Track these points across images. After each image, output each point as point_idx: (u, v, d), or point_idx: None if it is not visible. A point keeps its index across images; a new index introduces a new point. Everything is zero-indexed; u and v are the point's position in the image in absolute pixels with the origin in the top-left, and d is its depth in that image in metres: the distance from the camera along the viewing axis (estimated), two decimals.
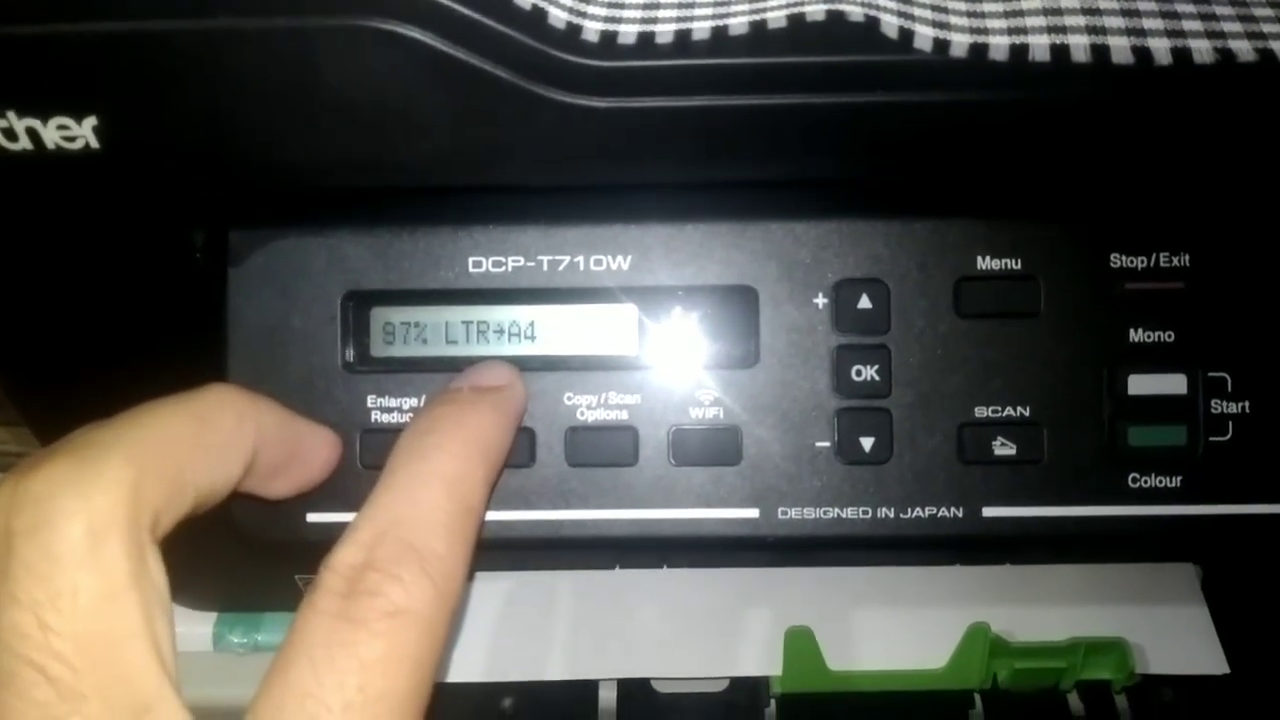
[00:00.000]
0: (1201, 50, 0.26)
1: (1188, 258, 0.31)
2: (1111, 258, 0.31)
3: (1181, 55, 0.26)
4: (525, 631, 0.40)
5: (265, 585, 0.41)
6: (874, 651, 0.40)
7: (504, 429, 0.28)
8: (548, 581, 0.40)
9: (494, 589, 0.40)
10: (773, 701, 0.41)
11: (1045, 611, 0.40)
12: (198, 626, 0.46)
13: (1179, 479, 0.31)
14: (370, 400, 0.32)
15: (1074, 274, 0.31)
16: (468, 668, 0.40)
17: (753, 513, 0.32)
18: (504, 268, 0.32)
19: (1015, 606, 0.40)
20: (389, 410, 0.32)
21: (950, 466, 0.31)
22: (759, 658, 0.40)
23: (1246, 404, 0.31)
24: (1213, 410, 0.31)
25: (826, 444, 0.32)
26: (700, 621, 0.41)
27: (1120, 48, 0.26)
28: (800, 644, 0.38)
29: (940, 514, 0.31)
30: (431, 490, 0.25)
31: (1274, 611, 0.40)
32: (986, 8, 0.27)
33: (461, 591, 0.24)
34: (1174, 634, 0.41)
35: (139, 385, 0.33)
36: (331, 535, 0.32)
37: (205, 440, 0.25)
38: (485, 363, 0.31)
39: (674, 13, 0.28)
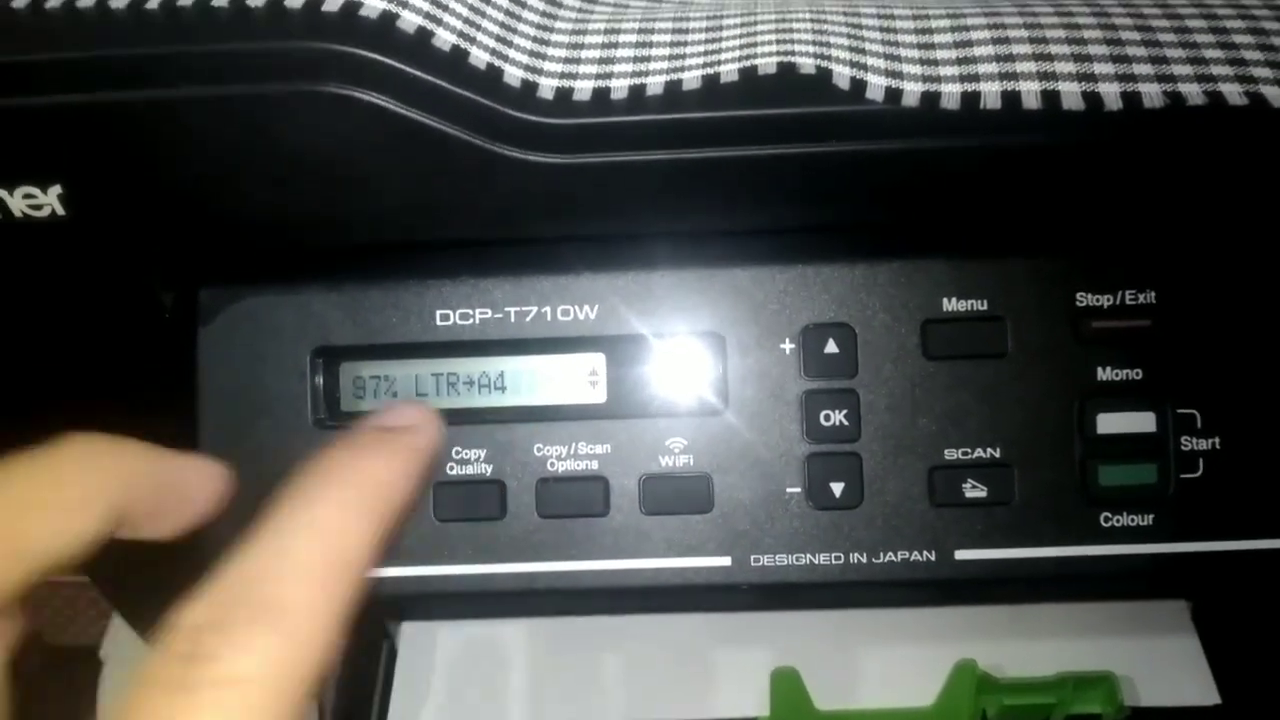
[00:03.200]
0: (1151, 94, 0.26)
1: (1154, 294, 0.31)
2: (1078, 296, 0.31)
3: (1131, 100, 0.26)
4: (511, 679, 0.40)
5: None
6: (861, 691, 0.40)
7: (402, 474, 0.26)
8: (531, 627, 0.40)
9: (475, 635, 0.40)
10: None
11: (1034, 646, 0.40)
12: None
13: (1151, 517, 0.31)
14: None
15: (1041, 313, 0.31)
16: (449, 717, 0.40)
17: (725, 560, 0.32)
18: (471, 320, 0.32)
19: (1004, 642, 0.40)
20: None
21: (921, 510, 0.31)
22: (746, 699, 0.39)
23: (1217, 440, 0.31)
24: (1183, 447, 0.31)
25: (797, 489, 0.32)
26: (686, 663, 0.40)
27: (1070, 93, 0.26)
28: (787, 684, 0.38)
29: (912, 557, 0.31)
30: (303, 540, 0.23)
31: (1262, 641, 0.40)
32: (939, 55, 0.28)
33: (331, 652, 0.22)
34: (1165, 665, 0.40)
35: None
36: None
37: (43, 499, 0.23)
38: (397, 403, 0.29)
39: (629, 66, 0.28)
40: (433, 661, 0.41)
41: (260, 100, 0.26)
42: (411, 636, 0.42)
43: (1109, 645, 0.40)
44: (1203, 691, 0.40)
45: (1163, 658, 0.40)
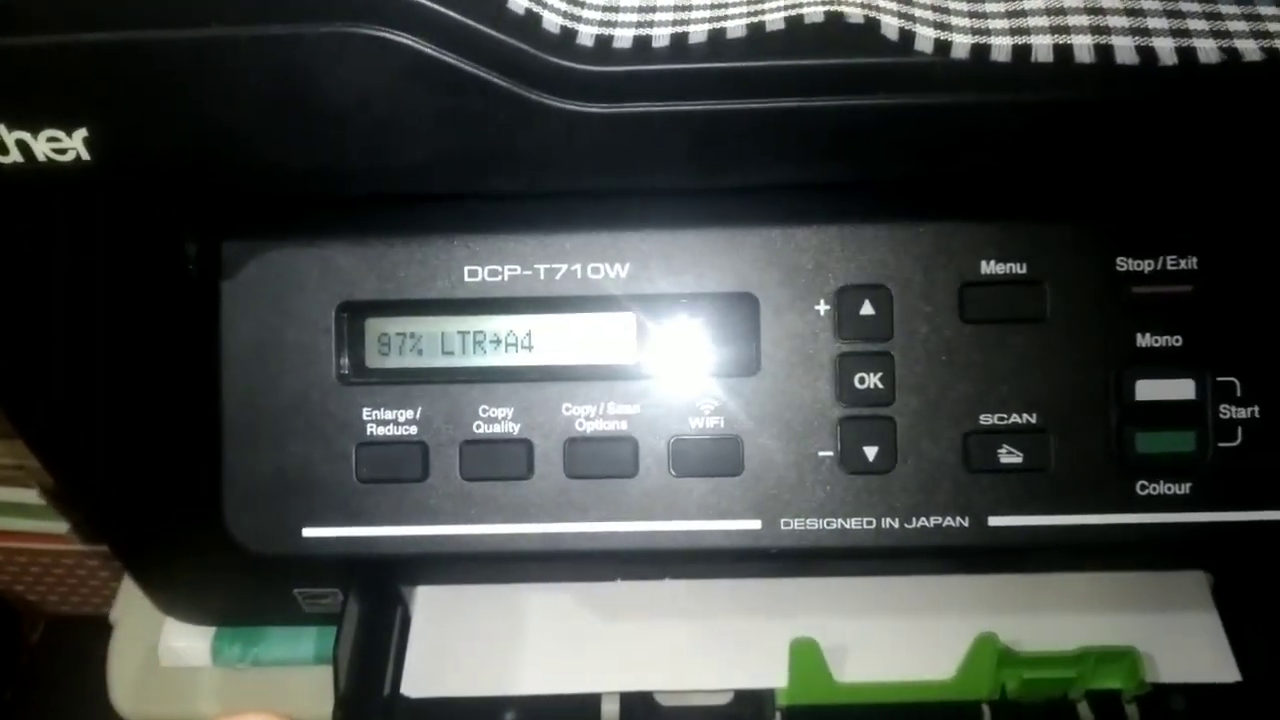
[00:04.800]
0: (1207, 50, 0.25)
1: (1196, 260, 0.31)
2: (1118, 261, 0.31)
3: (1187, 55, 0.25)
4: (527, 645, 0.40)
5: (264, 599, 0.40)
6: (880, 662, 0.39)
7: None
8: (549, 594, 0.40)
9: (496, 601, 0.40)
10: (778, 714, 0.41)
11: (1055, 620, 0.40)
12: (197, 641, 0.45)
13: (1188, 485, 0.31)
14: (366, 413, 0.31)
15: (1080, 278, 0.31)
16: (469, 682, 0.39)
17: (755, 524, 0.31)
18: (500, 277, 0.31)
19: (1025, 615, 0.40)
20: (385, 423, 0.31)
21: (955, 475, 0.31)
22: (764, 670, 0.39)
23: (1256, 409, 0.31)
24: (1221, 415, 0.31)
25: (829, 453, 0.31)
26: (704, 633, 0.40)
27: (1124, 47, 0.26)
28: (806, 655, 0.38)
29: (945, 524, 0.31)
30: None
31: None
32: (989, 8, 0.27)
33: None
34: (1185, 642, 0.40)
35: (133, 398, 0.33)
36: (328, 549, 0.32)
37: None
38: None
39: (670, 15, 0.27)
40: (447, 626, 0.41)
41: (293, 41, 0.25)
42: (427, 600, 0.42)
43: (1129, 620, 0.40)
44: (1223, 669, 0.40)
45: (1183, 634, 0.40)
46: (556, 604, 0.40)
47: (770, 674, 0.39)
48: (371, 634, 0.41)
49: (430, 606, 0.41)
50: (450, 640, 0.40)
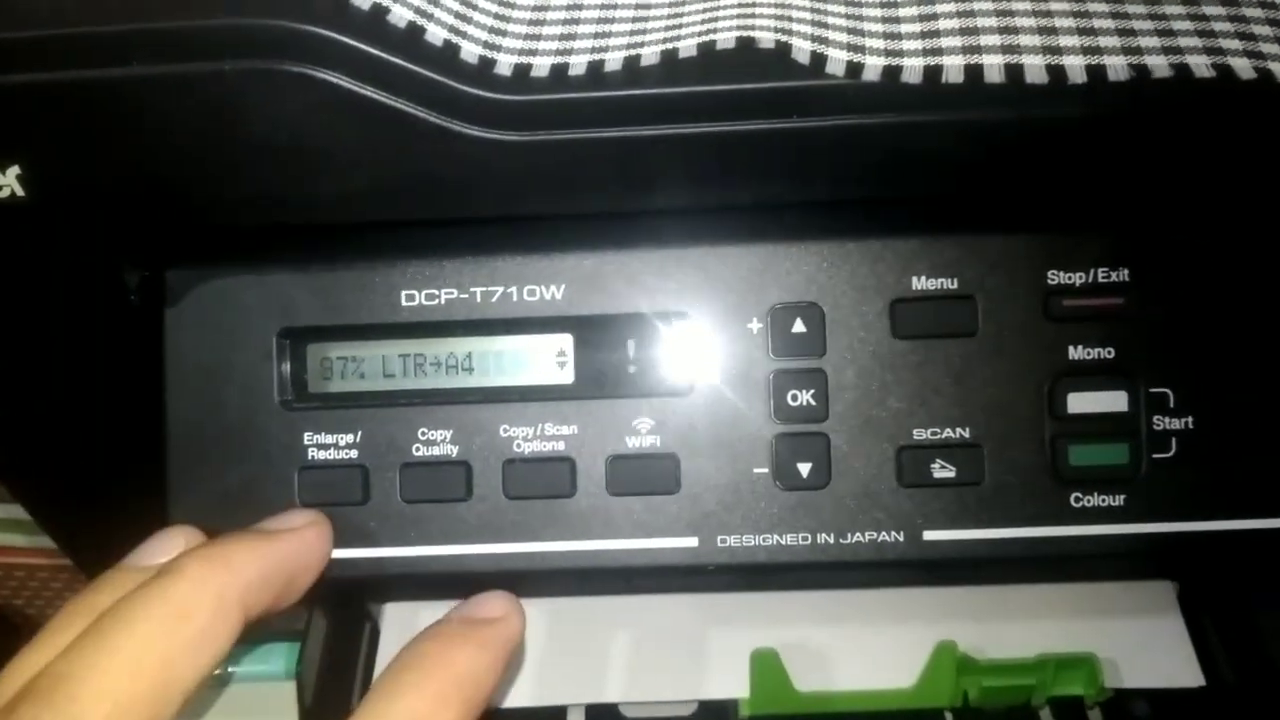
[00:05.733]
0: (1117, 68, 0.26)
1: (1127, 272, 0.31)
2: (1049, 274, 0.31)
3: (1096, 73, 0.26)
4: None
5: None
6: (842, 671, 0.40)
7: (488, 667, 0.27)
8: None
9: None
10: None
11: (1020, 627, 0.40)
12: None
13: (1122, 497, 0.31)
14: (308, 437, 0.32)
15: (1011, 292, 0.31)
16: None
17: (692, 541, 0.31)
18: (437, 300, 0.32)
19: (989, 623, 0.40)
20: (326, 447, 0.32)
21: (890, 490, 0.31)
22: (726, 680, 0.39)
23: (1190, 419, 0.31)
24: (1155, 427, 0.31)
25: (765, 470, 0.31)
26: (667, 645, 0.40)
27: (1034, 66, 0.26)
28: (767, 665, 0.38)
29: (881, 538, 0.31)
30: None
31: (1243, 622, 0.39)
32: (904, 29, 0.27)
33: None
34: (1149, 647, 0.40)
35: (79, 425, 0.33)
36: None
37: (182, 646, 0.24)
38: (483, 595, 0.30)
39: (590, 43, 0.28)
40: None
41: (214, 79, 0.26)
42: (394, 618, 0.42)
43: (1093, 627, 0.40)
44: (1187, 673, 0.40)
45: (1147, 639, 0.40)
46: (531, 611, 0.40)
47: (733, 684, 0.39)
48: (337, 651, 0.42)
49: (399, 622, 0.42)
50: None
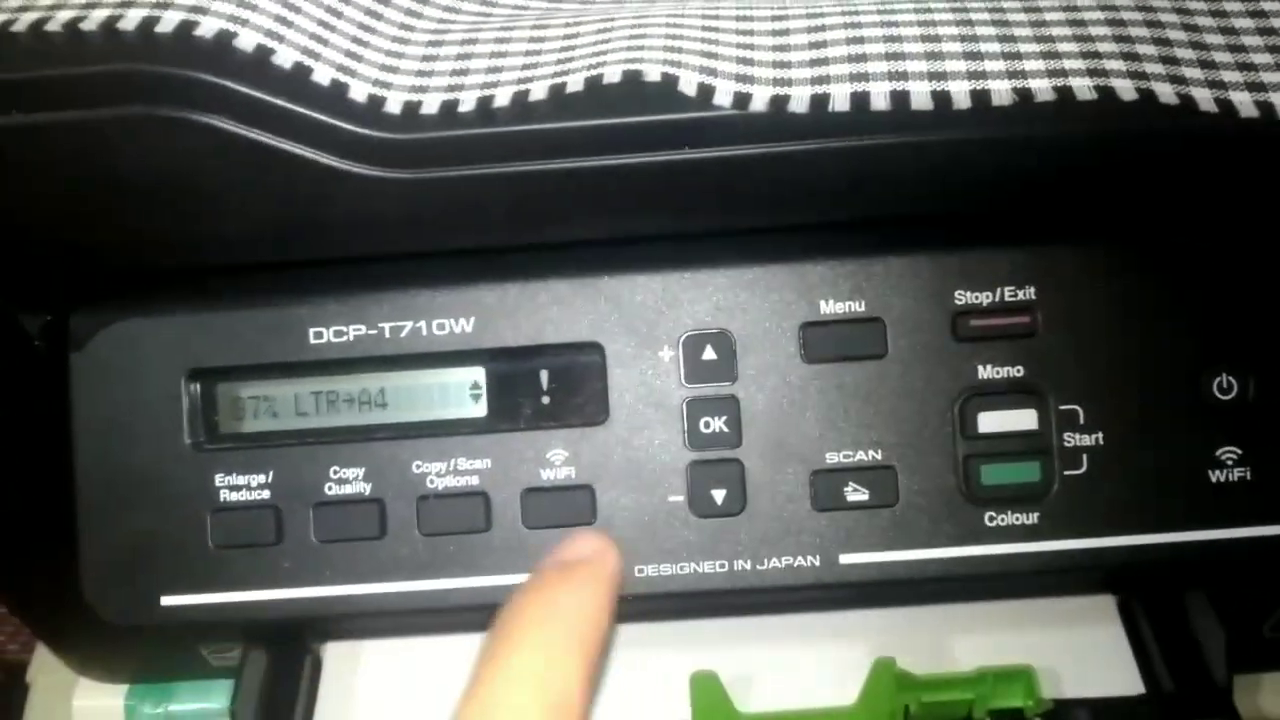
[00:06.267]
0: (1000, 92, 0.26)
1: (1033, 291, 0.31)
2: (956, 295, 0.31)
3: (980, 97, 0.26)
4: (436, 696, 0.40)
5: (171, 658, 0.40)
6: (783, 691, 0.39)
7: (598, 606, 0.26)
8: (461, 643, 0.40)
9: (401, 653, 0.40)
10: None
11: (960, 641, 0.40)
12: (109, 699, 0.45)
13: (1035, 515, 0.31)
14: (219, 478, 0.32)
15: (919, 313, 0.31)
16: None
17: None
18: (346, 337, 0.32)
19: (929, 638, 0.40)
20: (238, 488, 0.32)
21: (804, 514, 0.31)
22: (667, 705, 0.39)
23: (1100, 435, 0.31)
24: (1066, 444, 0.31)
25: (680, 498, 0.31)
26: (609, 669, 0.40)
27: (920, 93, 0.26)
28: (707, 688, 0.38)
29: (797, 563, 0.31)
30: (519, 691, 0.23)
31: (1178, 630, 0.39)
32: (793, 57, 0.27)
33: None
34: (1090, 656, 0.40)
35: None
36: (187, 618, 0.32)
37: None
38: (572, 536, 0.29)
39: (480, 78, 0.27)
40: (356, 682, 0.41)
41: (95, 125, 0.25)
42: (337, 650, 0.42)
43: (1034, 638, 0.40)
44: (1127, 682, 0.40)
45: (1088, 649, 0.40)
46: (469, 655, 0.40)
47: (674, 709, 0.39)
48: (275, 687, 0.41)
49: (341, 654, 0.41)
50: (364, 689, 0.40)
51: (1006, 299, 0.31)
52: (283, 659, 0.40)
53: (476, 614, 0.34)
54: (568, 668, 0.24)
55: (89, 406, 0.32)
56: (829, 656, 0.40)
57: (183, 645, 0.38)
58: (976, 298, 0.31)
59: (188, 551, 0.31)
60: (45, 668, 0.48)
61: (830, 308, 0.31)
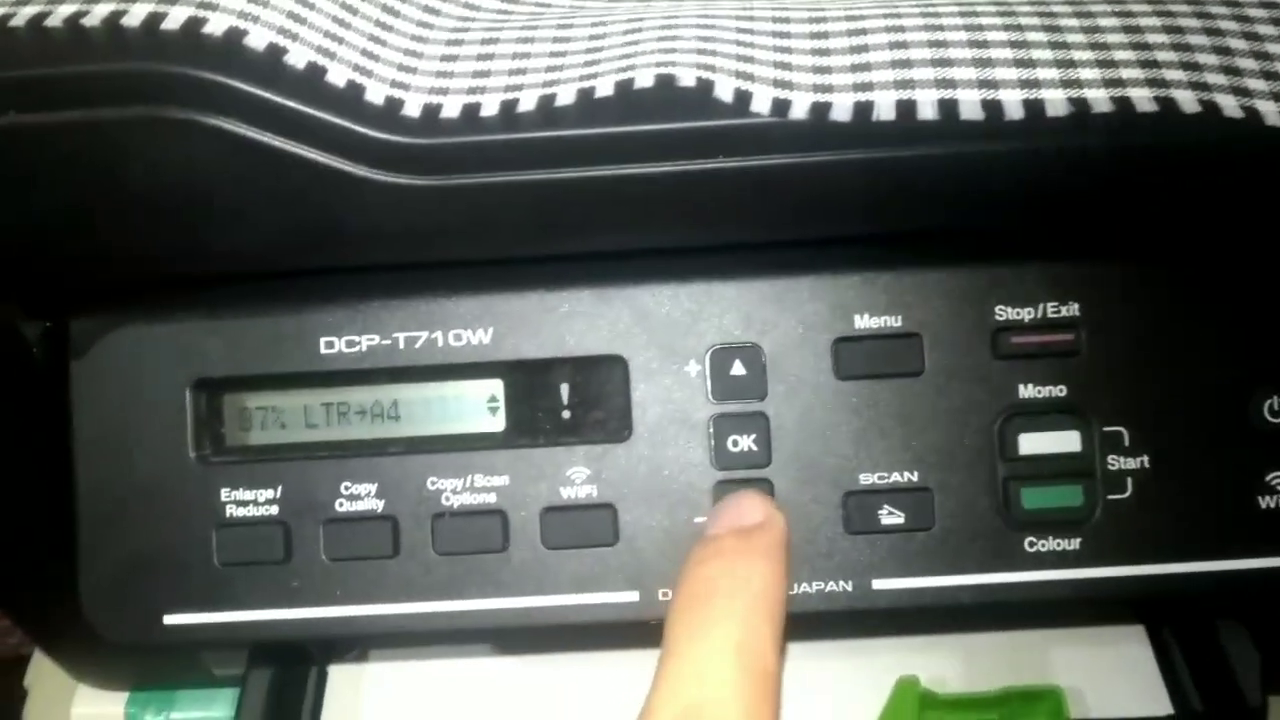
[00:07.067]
0: (1055, 102, 0.24)
1: (1077, 307, 0.29)
2: (996, 310, 0.30)
3: (1033, 107, 0.24)
4: (438, 705, 0.39)
5: (173, 665, 0.39)
6: (805, 709, 0.38)
7: (780, 575, 0.26)
8: (464, 665, 0.39)
9: (405, 674, 0.39)
10: None
11: (985, 660, 0.39)
12: (109, 707, 0.44)
13: (1078, 540, 0.29)
14: (225, 493, 0.30)
15: (958, 329, 0.30)
16: None
17: (632, 595, 0.30)
18: (358, 347, 0.30)
19: (955, 655, 0.39)
20: (245, 503, 0.30)
21: (836, 538, 0.30)
22: None
23: (1145, 459, 0.29)
24: (1110, 467, 0.29)
25: (706, 520, 0.30)
26: (615, 697, 0.39)
27: (970, 102, 0.24)
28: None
29: (829, 588, 0.30)
30: (725, 664, 0.24)
31: (1211, 655, 0.38)
32: (834, 62, 0.26)
33: None
34: (1117, 676, 0.39)
35: None
36: (190, 637, 0.31)
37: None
38: (737, 497, 0.28)
39: (503, 80, 0.26)
40: (361, 698, 0.40)
41: (97, 127, 0.24)
42: (342, 670, 0.41)
43: (1061, 657, 0.39)
44: (1155, 703, 0.39)
45: (1115, 670, 0.39)
46: (472, 676, 0.39)
47: None
48: (279, 703, 0.40)
49: (346, 671, 0.40)
50: (370, 704, 0.39)
51: (1049, 315, 0.29)
52: (288, 673, 0.39)
53: (493, 637, 0.33)
54: (764, 637, 0.24)
55: (90, 417, 0.30)
56: (850, 675, 0.39)
57: (185, 661, 0.37)
58: (1018, 313, 0.30)
59: (192, 568, 0.30)
60: (43, 674, 0.47)
61: (865, 322, 0.30)
